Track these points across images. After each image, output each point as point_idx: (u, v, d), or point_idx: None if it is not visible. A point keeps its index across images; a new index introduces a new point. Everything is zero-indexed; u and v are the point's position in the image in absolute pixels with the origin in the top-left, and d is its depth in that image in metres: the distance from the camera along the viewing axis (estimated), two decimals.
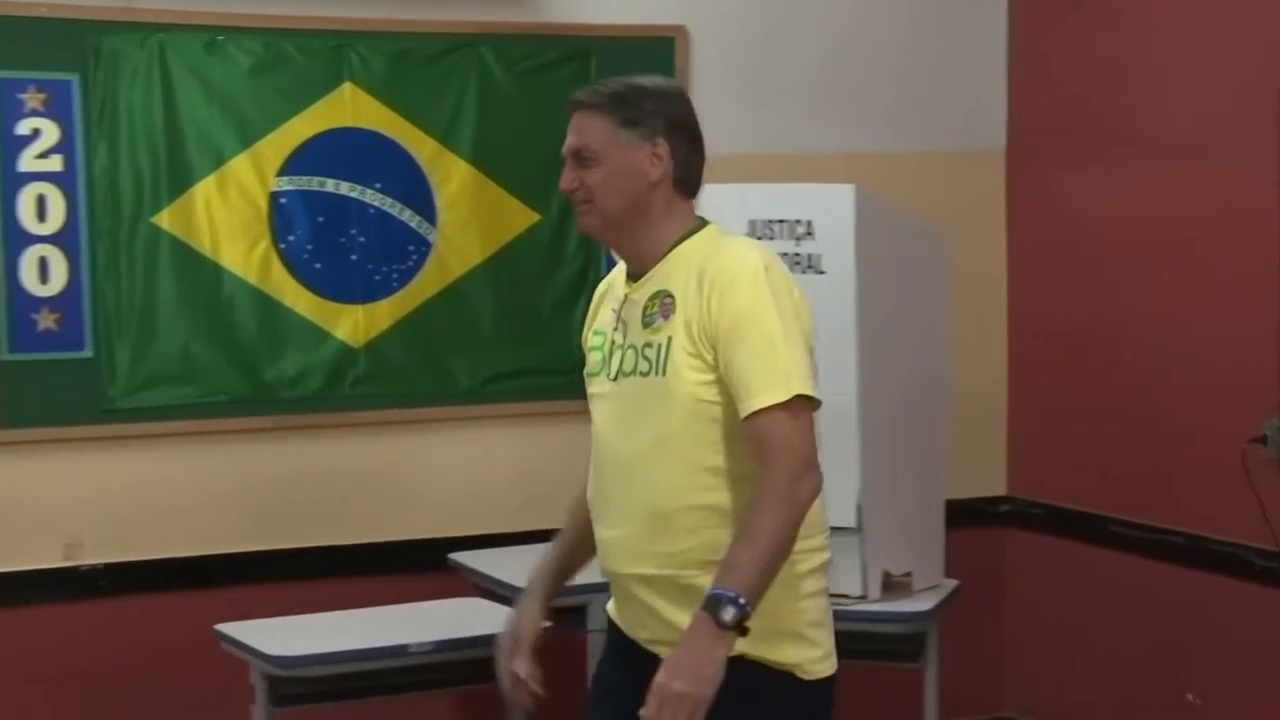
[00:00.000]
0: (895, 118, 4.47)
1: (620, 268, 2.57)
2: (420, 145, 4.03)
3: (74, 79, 3.72)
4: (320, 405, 3.99)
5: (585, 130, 2.48)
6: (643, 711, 2.25)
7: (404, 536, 4.05)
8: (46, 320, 3.74)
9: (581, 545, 2.67)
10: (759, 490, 2.34)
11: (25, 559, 3.74)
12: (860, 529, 3.48)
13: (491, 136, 4.08)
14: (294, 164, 3.91)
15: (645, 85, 2.53)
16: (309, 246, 3.95)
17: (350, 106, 3.96)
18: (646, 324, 2.46)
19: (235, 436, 3.93)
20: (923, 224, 3.74)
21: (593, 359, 2.57)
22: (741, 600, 2.25)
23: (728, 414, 2.39)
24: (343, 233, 3.99)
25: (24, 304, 3.71)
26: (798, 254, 3.49)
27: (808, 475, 2.35)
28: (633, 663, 2.50)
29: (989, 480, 4.59)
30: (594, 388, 2.56)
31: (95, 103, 3.74)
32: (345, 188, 3.98)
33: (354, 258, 4.00)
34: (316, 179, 3.95)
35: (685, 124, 2.51)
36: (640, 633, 2.52)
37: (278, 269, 3.93)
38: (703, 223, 2.53)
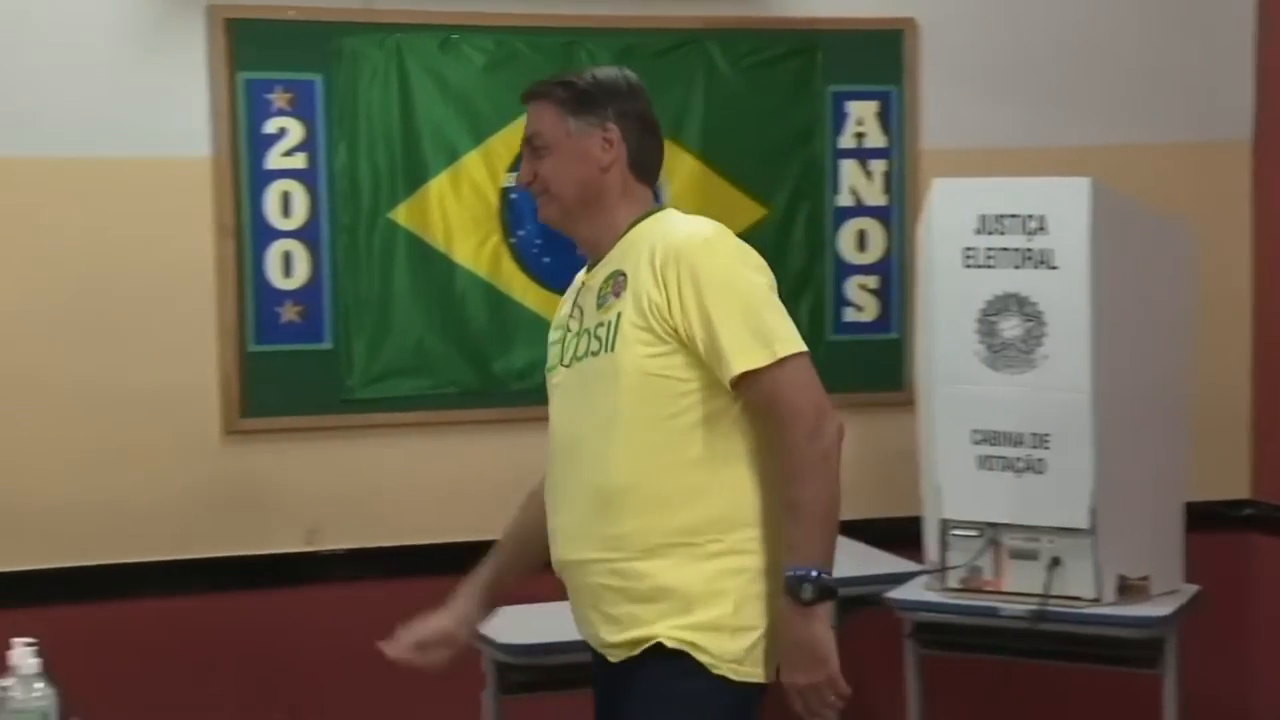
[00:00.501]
0: (1134, 108, 4.33)
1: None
2: None
3: (318, 79, 3.84)
4: (547, 398, 4.04)
5: (536, 120, 2.49)
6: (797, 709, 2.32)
7: None
8: (290, 313, 3.87)
9: (519, 552, 2.69)
10: (784, 461, 2.32)
11: (270, 543, 3.88)
12: (1093, 530, 3.39)
13: (718, 131, 4.08)
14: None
15: (593, 72, 2.54)
16: (538, 241, 3.99)
17: None
18: (600, 305, 2.44)
19: (465, 427, 4.01)
20: (1167, 219, 3.62)
21: (551, 354, 2.57)
22: (814, 573, 2.26)
23: (681, 390, 2.34)
24: None
25: (269, 297, 3.85)
26: (1029, 249, 3.42)
27: (824, 423, 2.30)
28: (602, 679, 2.49)
29: (1231, 483, 4.42)
30: (551, 380, 2.55)
31: (337, 102, 3.85)
32: None
33: (582, 252, 4.04)
34: None
35: (635, 108, 2.49)
36: (588, 630, 2.47)
37: (508, 263, 4.00)
38: (660, 207, 2.52)
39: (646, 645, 2.36)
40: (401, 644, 2.69)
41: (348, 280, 3.90)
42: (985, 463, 3.48)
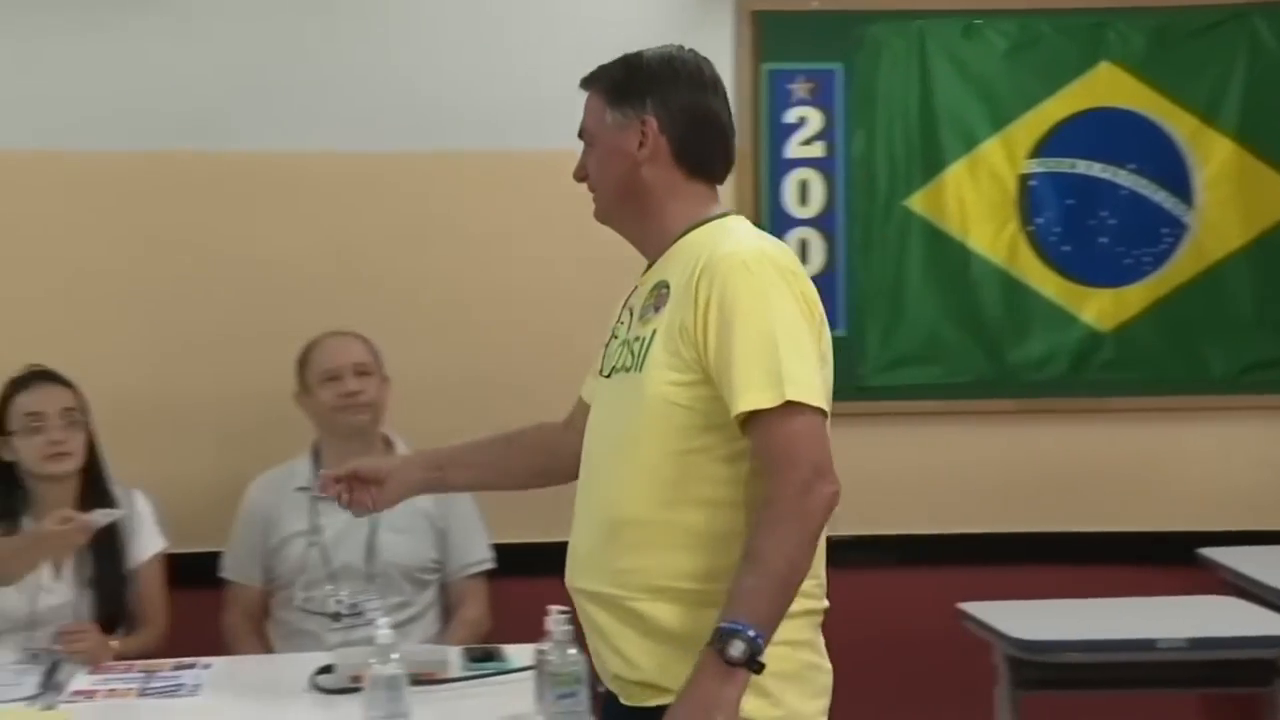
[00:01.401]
0: None
1: None
2: (1180, 123, 3.90)
3: (838, 68, 3.89)
4: (1064, 389, 3.96)
5: (586, 113, 2.34)
6: None
7: (1146, 527, 3.94)
8: None
9: (485, 462, 2.58)
10: (763, 507, 2.05)
11: None
12: None
13: (1260, 111, 3.88)
14: (1046, 146, 3.90)
15: (640, 59, 2.31)
16: (1057, 229, 3.92)
17: (1106, 85, 3.89)
18: (642, 316, 2.25)
19: (978, 418, 3.97)
20: None
21: (598, 359, 2.37)
22: (751, 632, 1.97)
23: (701, 424, 2.13)
24: (1093, 215, 3.93)
25: None
26: None
27: (818, 484, 2.03)
28: (612, 715, 2.28)
29: None
30: (597, 388, 2.35)
31: (856, 90, 3.89)
32: (1097, 169, 3.92)
33: (1103, 240, 3.93)
34: (1068, 160, 3.91)
35: (683, 96, 2.27)
36: (596, 662, 2.28)
37: (1025, 251, 3.93)
38: (724, 213, 2.28)
39: (660, 699, 2.13)
40: (343, 470, 2.59)
41: (862, 268, 3.93)
42: None
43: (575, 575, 2.27)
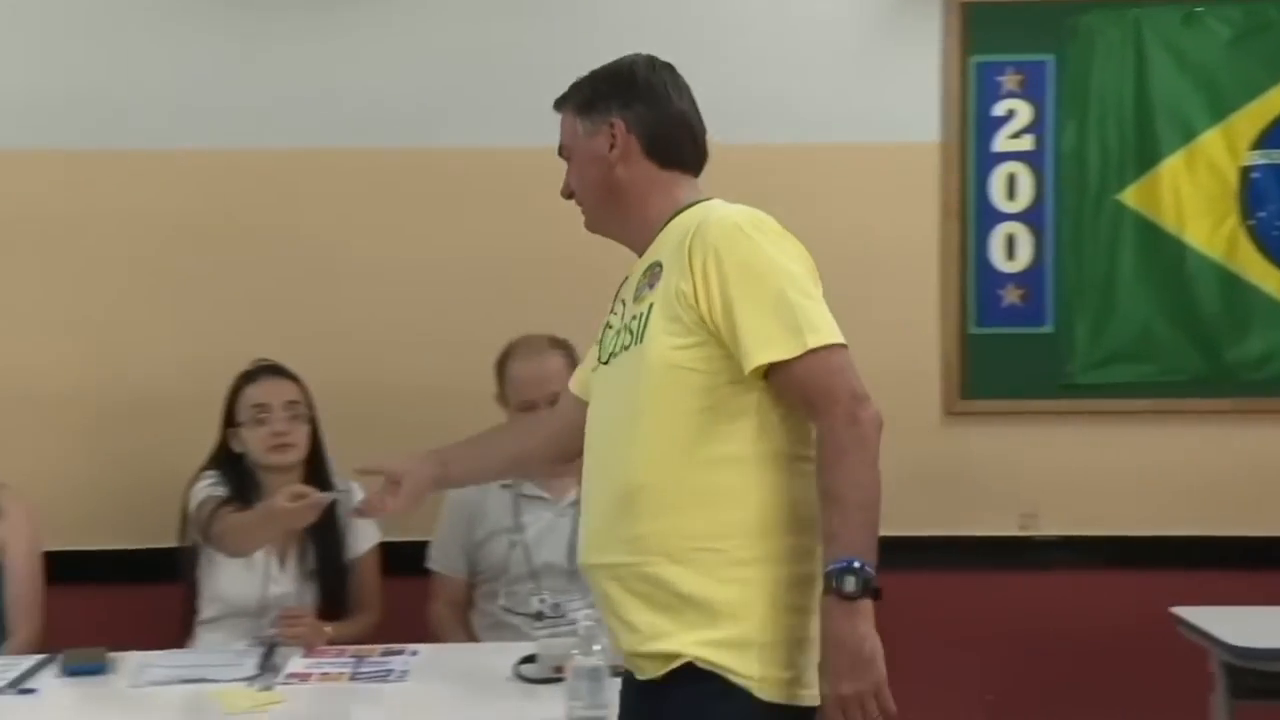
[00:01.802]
0: None
1: None
2: None
3: (1049, 59, 3.82)
4: None
5: (562, 130, 2.44)
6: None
7: None
8: (1011, 295, 3.87)
9: (479, 453, 2.67)
10: (821, 449, 2.14)
11: (983, 525, 3.90)
12: None
13: None
14: (1270, 137, 3.79)
15: (602, 71, 2.42)
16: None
17: None
18: (636, 297, 2.32)
19: (1192, 417, 3.87)
20: None
21: (590, 356, 2.47)
22: (857, 563, 2.05)
23: (708, 384, 2.19)
24: None
25: (991, 279, 3.87)
26: None
27: (860, 410, 2.12)
28: (630, 693, 2.32)
29: None
30: (594, 383, 2.41)
31: (1068, 82, 3.81)
32: None
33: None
34: None
35: (643, 95, 2.37)
36: (611, 640, 2.33)
37: (1245, 246, 3.81)
38: (706, 198, 2.35)
39: (676, 665, 2.19)
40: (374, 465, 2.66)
41: (1071, 263, 3.85)
42: None
43: (589, 553, 2.32)
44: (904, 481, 3.81)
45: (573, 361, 3.47)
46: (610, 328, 2.40)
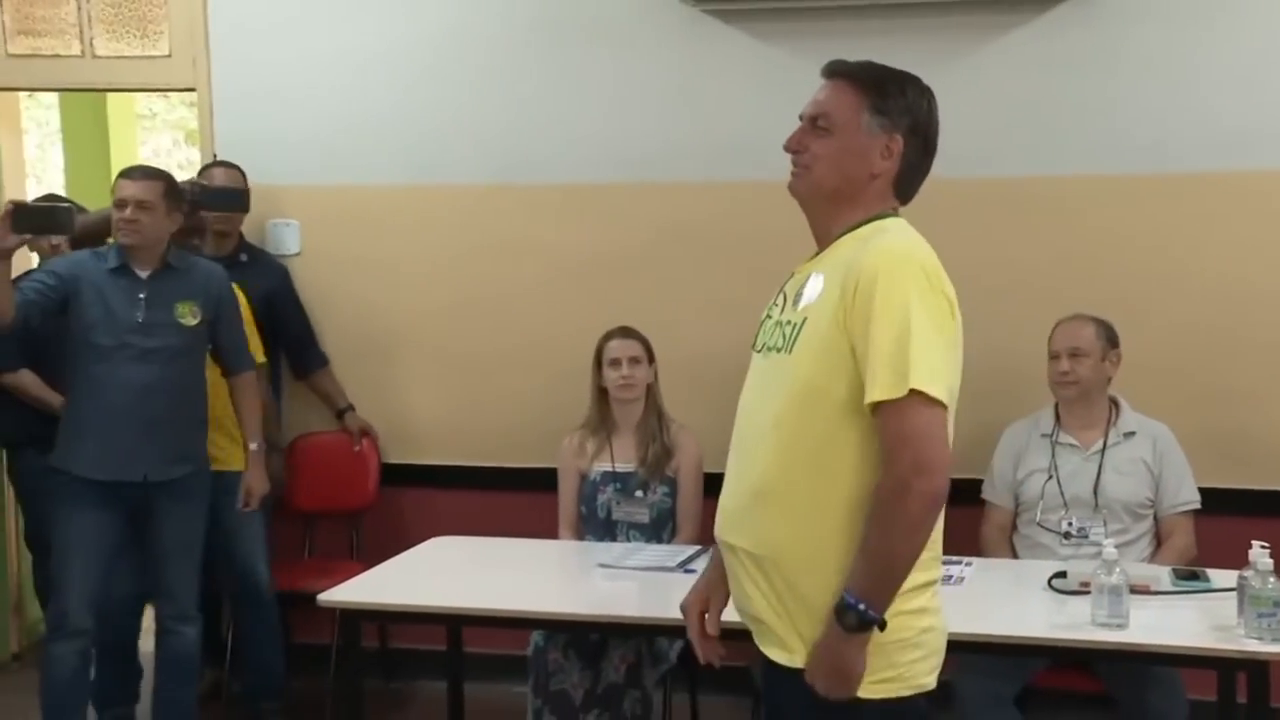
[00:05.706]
0: None
1: None
2: None
3: None
4: None
5: (833, 100, 2.37)
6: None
7: None
8: None
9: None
10: (874, 495, 2.20)
11: None
12: None
13: None
14: None
15: (905, 78, 2.39)
16: None
17: None
18: (795, 301, 2.37)
19: None
20: None
21: (757, 332, 2.49)
22: (861, 606, 2.18)
23: (842, 409, 2.23)
24: None
25: None
26: None
27: (916, 482, 2.14)
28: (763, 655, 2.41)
29: None
30: (751, 365, 2.47)
31: None
32: None
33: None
34: None
35: (926, 130, 2.38)
36: (739, 605, 2.42)
37: None
38: (883, 214, 2.37)
39: (780, 655, 2.34)
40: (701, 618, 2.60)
41: None
42: None
43: (724, 530, 2.42)
44: None
45: None
46: (769, 318, 2.45)
